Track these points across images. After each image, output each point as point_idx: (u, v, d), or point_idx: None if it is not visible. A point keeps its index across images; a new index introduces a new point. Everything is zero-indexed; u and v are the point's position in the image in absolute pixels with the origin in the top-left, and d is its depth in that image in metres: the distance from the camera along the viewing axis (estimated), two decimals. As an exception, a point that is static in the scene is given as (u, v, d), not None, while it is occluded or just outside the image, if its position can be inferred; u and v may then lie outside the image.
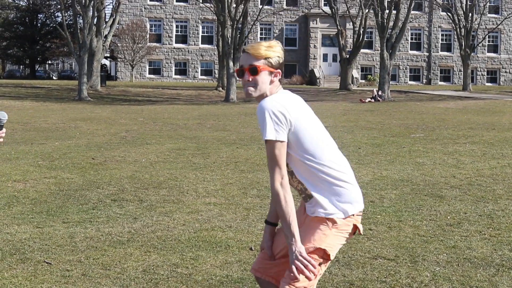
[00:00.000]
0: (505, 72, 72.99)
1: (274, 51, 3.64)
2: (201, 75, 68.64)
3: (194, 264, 6.12)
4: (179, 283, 5.60)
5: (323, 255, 3.58)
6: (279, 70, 3.67)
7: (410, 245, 6.76)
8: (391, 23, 44.71)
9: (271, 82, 3.65)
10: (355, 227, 3.71)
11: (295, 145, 3.55)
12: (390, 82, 46.64)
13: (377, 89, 44.11)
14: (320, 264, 3.59)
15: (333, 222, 3.60)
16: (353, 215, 3.66)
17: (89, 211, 8.40)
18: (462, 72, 60.24)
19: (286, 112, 3.50)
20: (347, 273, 5.84)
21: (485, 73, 72.60)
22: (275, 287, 3.82)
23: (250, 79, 3.61)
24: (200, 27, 68.33)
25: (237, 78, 3.58)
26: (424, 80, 71.65)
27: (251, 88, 3.62)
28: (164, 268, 5.99)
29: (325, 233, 3.59)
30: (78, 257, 6.32)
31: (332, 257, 3.62)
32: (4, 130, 4.33)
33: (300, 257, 3.48)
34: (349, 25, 61.18)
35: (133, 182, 10.52)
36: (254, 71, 3.61)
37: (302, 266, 3.47)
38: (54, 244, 6.75)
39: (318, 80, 64.98)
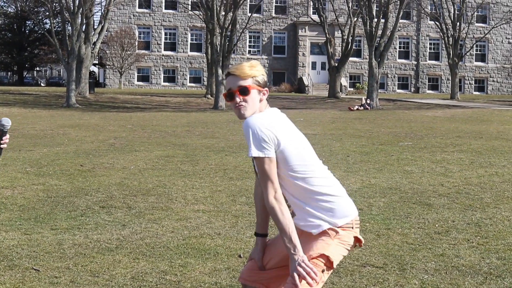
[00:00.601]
0: (493, 81, 73.36)
1: (258, 70, 3.67)
2: (189, 82, 68.63)
3: (182, 271, 6.11)
4: (168, 290, 5.60)
5: (326, 262, 3.59)
6: (266, 88, 3.71)
7: (398, 253, 6.78)
8: (379, 32, 44.87)
9: (260, 100, 3.67)
10: (356, 239, 3.75)
11: (282, 163, 3.57)
12: (379, 90, 46.76)
13: (365, 97, 44.22)
14: (322, 271, 3.59)
15: (336, 232, 3.63)
16: (351, 228, 3.69)
17: (77, 218, 8.38)
18: (450, 81, 60.54)
19: (272, 128, 3.52)
20: (336, 281, 5.85)
21: (473, 82, 72.94)
22: None
23: (242, 99, 3.62)
24: (189, 35, 68.34)
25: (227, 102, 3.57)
26: (412, 89, 71.90)
27: (244, 108, 3.62)
28: (152, 275, 5.97)
29: (327, 243, 3.62)
30: (66, 264, 6.30)
31: (334, 265, 3.63)
32: (8, 136, 4.38)
33: (302, 264, 3.48)
34: (337, 34, 61.29)
35: (122, 189, 10.50)
36: (245, 91, 3.62)
37: (304, 273, 3.46)
38: (42, 251, 6.73)
39: (306, 88, 65.09)
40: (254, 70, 3.65)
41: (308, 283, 3.49)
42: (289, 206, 3.65)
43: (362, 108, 40.61)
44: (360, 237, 3.77)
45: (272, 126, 3.53)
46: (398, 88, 71.51)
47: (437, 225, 8.05)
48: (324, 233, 3.63)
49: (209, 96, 50.01)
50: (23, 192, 10.14)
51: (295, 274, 3.48)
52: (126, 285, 5.72)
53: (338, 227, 3.64)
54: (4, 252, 6.69)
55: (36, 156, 14.73)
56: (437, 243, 7.18)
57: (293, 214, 3.67)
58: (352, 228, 3.70)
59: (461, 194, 10.26)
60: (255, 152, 3.47)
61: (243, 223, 8.14)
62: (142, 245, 7.01)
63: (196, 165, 13.57)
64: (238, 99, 3.62)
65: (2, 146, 4.35)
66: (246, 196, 9.92)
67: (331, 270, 3.67)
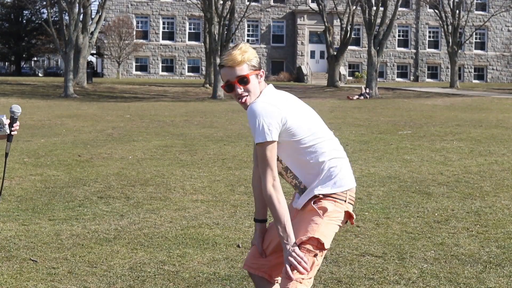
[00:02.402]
0: (492, 69, 73.25)
1: (250, 53, 3.66)
2: (188, 72, 68.47)
3: (181, 261, 6.09)
4: (166, 281, 5.57)
5: (318, 245, 3.62)
6: (262, 70, 3.72)
7: (397, 242, 6.76)
8: (378, 20, 44.76)
9: (259, 83, 3.69)
10: (347, 215, 3.73)
11: (289, 138, 3.60)
12: (378, 79, 46.70)
13: (365, 86, 44.16)
14: (315, 256, 3.62)
15: (324, 210, 3.63)
16: (344, 201, 3.69)
17: (75, 208, 8.35)
18: (449, 69, 60.40)
19: (277, 110, 3.55)
20: (335, 270, 5.83)
21: (472, 70, 72.81)
22: (268, 282, 3.90)
23: (243, 89, 3.62)
24: (187, 24, 68.15)
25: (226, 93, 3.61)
26: (412, 77, 71.78)
27: (247, 98, 3.65)
28: (151, 266, 5.95)
29: (317, 223, 3.63)
30: (64, 254, 6.28)
31: (326, 246, 3.65)
32: (18, 123, 4.39)
33: (293, 254, 3.54)
34: (336, 22, 61.13)
35: (120, 179, 10.47)
36: (244, 80, 3.63)
37: (295, 263, 3.53)
38: (40, 242, 6.70)
39: (305, 77, 64.97)
40: (246, 55, 3.63)
41: (299, 272, 3.55)
42: (300, 183, 3.70)
43: (362, 97, 40.53)
44: (352, 212, 3.75)
45: (276, 106, 3.56)
46: (397, 77, 71.38)
47: (436, 214, 8.03)
48: (313, 211, 3.63)
49: (208, 85, 49.90)
50: (21, 183, 10.11)
51: (287, 265, 3.55)
52: (124, 275, 5.69)
53: (327, 195, 3.64)
54: (2, 243, 6.67)
55: (34, 147, 14.70)
56: (437, 232, 7.15)
57: (304, 189, 3.70)
58: (345, 201, 3.70)
59: (461, 182, 10.23)
60: (262, 137, 3.49)
61: (242, 213, 8.11)
62: (140, 236, 6.99)
63: (195, 155, 13.55)
64: (239, 90, 3.63)
65: (13, 133, 4.37)
66: (244, 186, 9.90)
67: (325, 251, 3.68)
